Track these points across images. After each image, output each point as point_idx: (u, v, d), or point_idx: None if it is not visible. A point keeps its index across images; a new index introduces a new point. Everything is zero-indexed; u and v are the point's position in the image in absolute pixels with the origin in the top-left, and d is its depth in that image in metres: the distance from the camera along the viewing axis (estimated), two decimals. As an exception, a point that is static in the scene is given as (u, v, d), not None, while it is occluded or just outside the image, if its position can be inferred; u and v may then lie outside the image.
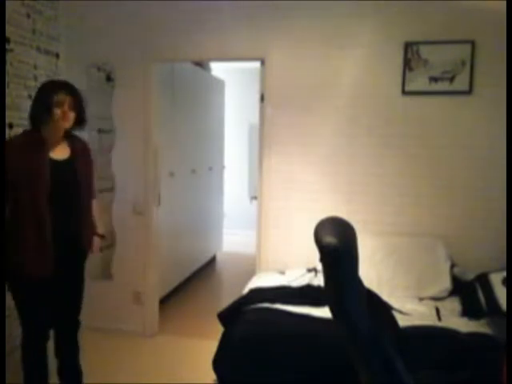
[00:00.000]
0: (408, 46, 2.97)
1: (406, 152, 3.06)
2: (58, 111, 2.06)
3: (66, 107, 2.07)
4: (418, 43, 2.95)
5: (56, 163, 2.11)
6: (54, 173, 2.08)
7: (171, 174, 4.00)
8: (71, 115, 2.11)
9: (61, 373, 2.39)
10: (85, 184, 2.24)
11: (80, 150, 2.25)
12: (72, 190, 2.16)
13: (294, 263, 3.15)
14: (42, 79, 3.18)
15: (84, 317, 2.92)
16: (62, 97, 2.07)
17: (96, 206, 2.44)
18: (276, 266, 3.21)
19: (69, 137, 2.22)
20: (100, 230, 2.43)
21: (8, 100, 2.85)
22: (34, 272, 2.09)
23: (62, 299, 2.30)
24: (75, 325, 2.39)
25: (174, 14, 3.24)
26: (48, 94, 2.07)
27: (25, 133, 2.19)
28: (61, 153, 2.16)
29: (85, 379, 2.36)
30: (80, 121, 2.18)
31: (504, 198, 2.73)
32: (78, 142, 2.27)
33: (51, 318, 2.30)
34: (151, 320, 3.47)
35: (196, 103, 4.64)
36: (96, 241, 2.40)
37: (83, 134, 3.34)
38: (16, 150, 2.04)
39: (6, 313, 2.90)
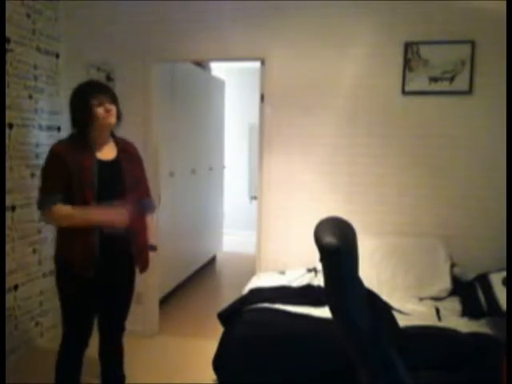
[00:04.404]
0: (408, 46, 2.97)
1: (405, 152, 3.06)
2: (100, 110, 2.07)
3: (107, 105, 2.08)
4: (418, 43, 2.95)
5: (103, 164, 2.12)
6: (100, 173, 2.08)
7: (171, 174, 3.99)
8: (114, 111, 2.12)
9: (103, 377, 2.40)
10: (132, 186, 2.22)
11: (126, 151, 2.25)
12: (120, 192, 2.16)
13: (294, 263, 3.15)
14: (42, 79, 3.18)
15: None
16: (101, 96, 2.08)
17: (150, 217, 2.39)
18: (276, 266, 3.21)
19: (115, 138, 2.24)
20: (152, 240, 2.38)
21: (8, 100, 2.85)
22: (80, 271, 2.08)
23: (109, 302, 2.29)
24: (119, 329, 2.38)
25: (174, 14, 3.24)
26: (85, 96, 2.07)
27: (71, 136, 2.18)
28: (107, 154, 2.16)
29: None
30: (118, 116, 2.18)
31: (504, 197, 2.73)
32: (124, 143, 2.27)
33: (96, 323, 2.30)
34: (151, 320, 3.47)
35: (196, 103, 4.64)
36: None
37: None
38: (64, 154, 2.05)
39: (6, 313, 2.90)
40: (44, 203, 2.07)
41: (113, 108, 2.11)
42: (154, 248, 2.38)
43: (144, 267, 2.33)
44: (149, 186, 2.40)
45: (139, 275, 2.38)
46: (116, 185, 2.16)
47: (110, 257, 2.15)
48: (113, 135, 2.23)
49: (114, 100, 2.14)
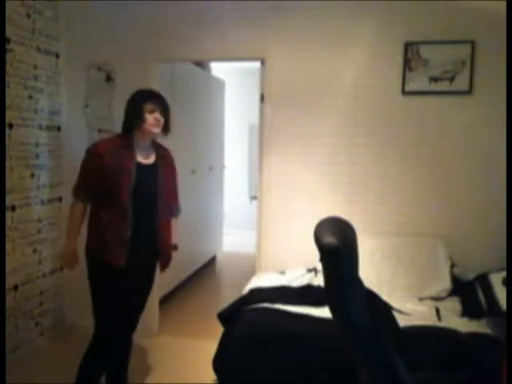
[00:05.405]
0: (408, 46, 2.97)
1: (406, 152, 3.06)
2: (150, 117, 2.20)
3: (157, 114, 2.22)
4: (417, 43, 2.95)
5: (141, 166, 2.24)
6: (138, 175, 2.20)
7: (171, 174, 3.99)
8: (162, 122, 2.25)
9: (108, 371, 2.44)
10: (164, 190, 2.34)
11: (164, 158, 2.37)
12: (153, 194, 2.28)
13: (294, 263, 3.15)
14: (42, 79, 3.18)
15: (84, 317, 2.92)
16: (154, 105, 2.22)
17: (174, 220, 2.53)
18: (276, 266, 3.21)
19: (155, 144, 2.36)
20: (175, 240, 2.50)
21: (8, 100, 2.85)
22: (112, 262, 2.17)
23: (131, 297, 2.34)
24: (134, 325, 2.44)
25: (174, 14, 3.24)
26: (141, 100, 2.22)
27: (116, 136, 2.32)
28: (147, 158, 2.29)
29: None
30: (166, 128, 2.32)
31: (504, 197, 2.73)
32: (162, 150, 2.39)
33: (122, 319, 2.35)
34: (151, 320, 3.46)
35: (196, 103, 4.64)
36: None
37: (83, 134, 3.37)
38: (105, 153, 2.16)
39: (6, 313, 2.90)
40: (75, 194, 2.28)
41: (161, 119, 2.25)
42: (175, 247, 2.52)
43: (166, 265, 2.44)
44: (178, 192, 2.55)
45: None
46: (150, 187, 2.28)
47: (138, 252, 2.24)
48: (153, 141, 2.35)
49: (165, 113, 2.27)
